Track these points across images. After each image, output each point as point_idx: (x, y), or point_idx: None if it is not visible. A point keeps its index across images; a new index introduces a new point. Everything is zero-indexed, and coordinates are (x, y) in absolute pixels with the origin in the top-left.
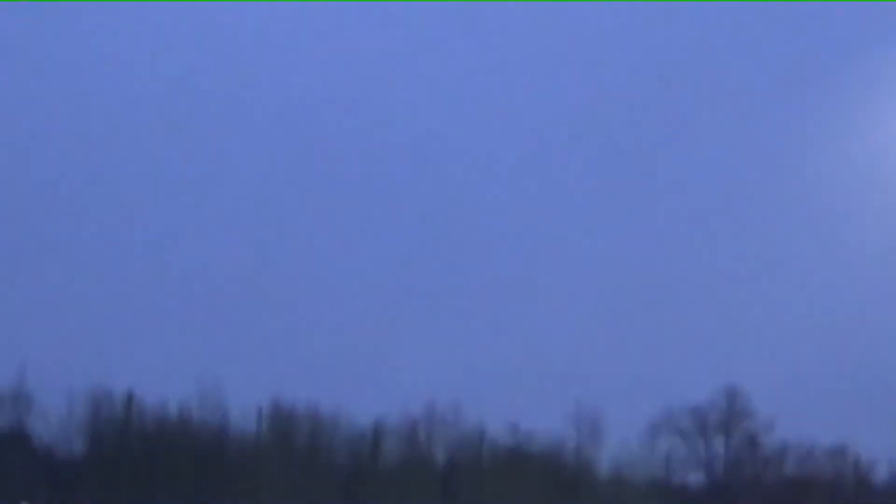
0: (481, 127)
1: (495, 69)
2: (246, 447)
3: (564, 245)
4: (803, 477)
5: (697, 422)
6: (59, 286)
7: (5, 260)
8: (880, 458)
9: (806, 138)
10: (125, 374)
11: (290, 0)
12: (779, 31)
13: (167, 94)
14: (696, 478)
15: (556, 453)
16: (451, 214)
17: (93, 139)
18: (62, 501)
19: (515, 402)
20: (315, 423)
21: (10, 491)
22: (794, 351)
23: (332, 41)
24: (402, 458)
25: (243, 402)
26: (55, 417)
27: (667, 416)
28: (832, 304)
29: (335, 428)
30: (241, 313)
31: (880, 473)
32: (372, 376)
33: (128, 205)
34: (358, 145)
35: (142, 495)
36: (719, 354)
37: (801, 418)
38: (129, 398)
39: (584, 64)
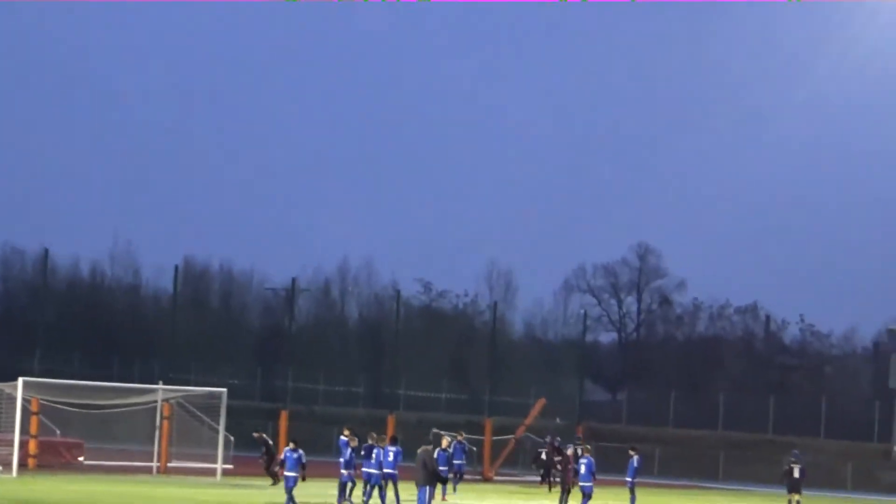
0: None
1: None
2: (160, 306)
3: (480, 109)
4: (714, 335)
5: (610, 280)
6: None
7: None
8: (790, 317)
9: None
10: (39, 233)
11: None
12: None
13: None
14: (608, 336)
15: (469, 312)
16: (369, 81)
17: None
18: None
19: (429, 263)
20: (229, 282)
21: None
22: (706, 212)
23: None
24: (316, 318)
25: (157, 260)
26: None
27: (579, 275)
28: (746, 165)
29: (249, 287)
30: (156, 172)
31: (790, 331)
32: (286, 236)
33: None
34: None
35: (55, 353)
36: (633, 214)
37: (713, 278)
38: (44, 257)
39: None
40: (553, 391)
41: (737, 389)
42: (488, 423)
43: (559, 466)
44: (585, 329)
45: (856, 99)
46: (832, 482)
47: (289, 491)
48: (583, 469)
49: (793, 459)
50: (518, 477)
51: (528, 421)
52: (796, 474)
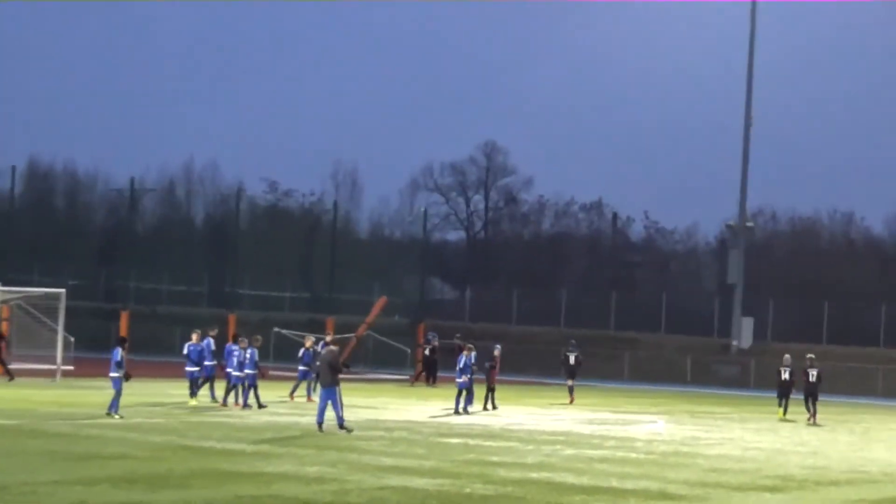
0: None
1: None
2: (3, 206)
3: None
4: (560, 232)
5: (457, 179)
6: None
7: None
8: (636, 213)
9: None
10: None
11: None
12: None
13: None
14: (456, 235)
15: (315, 211)
16: None
17: None
18: None
19: (275, 162)
20: (73, 182)
21: None
22: (551, 110)
23: None
24: (161, 218)
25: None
26: None
27: (427, 174)
28: (586, 61)
29: (93, 187)
30: None
31: (635, 228)
32: (131, 136)
33: None
34: None
35: None
36: (479, 113)
37: (559, 175)
38: None
39: None
40: (397, 290)
41: (582, 286)
42: (330, 322)
43: (475, 367)
44: (426, 226)
45: None
46: (672, 376)
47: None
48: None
49: (570, 349)
50: (361, 375)
51: (370, 319)
52: (571, 361)
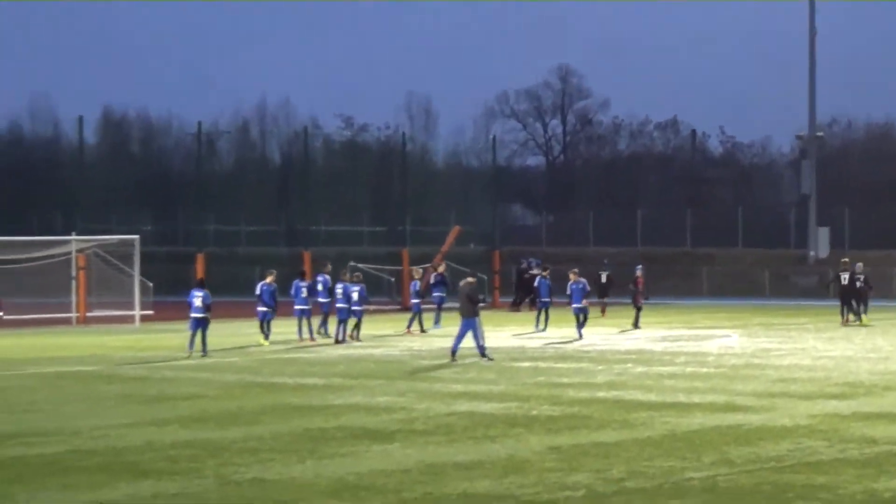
0: None
1: None
2: (78, 157)
3: None
4: (638, 152)
5: (533, 104)
6: None
7: None
8: (712, 131)
9: None
10: None
11: None
12: None
13: None
14: (535, 160)
15: (391, 144)
16: None
17: None
18: None
19: (349, 97)
20: (147, 128)
21: None
22: (622, 28)
23: None
24: (237, 160)
25: (76, 112)
26: None
27: (502, 101)
28: None
29: (167, 134)
30: (69, 25)
31: (713, 145)
32: (202, 79)
33: None
34: None
35: None
36: (551, 37)
37: (634, 96)
38: None
39: None
40: (474, 219)
41: (658, 205)
42: (405, 253)
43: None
44: (495, 153)
45: None
46: (751, 290)
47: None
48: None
49: (602, 268)
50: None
51: (445, 248)
52: (603, 280)
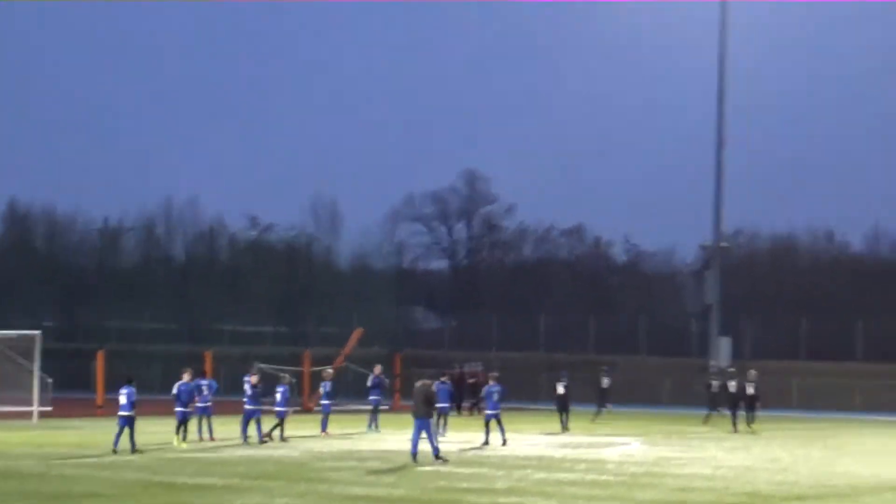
0: None
1: None
2: None
3: (300, 41)
4: (541, 258)
5: (439, 208)
6: None
7: None
8: (617, 239)
9: None
10: None
11: None
12: None
13: None
14: (439, 263)
15: (296, 245)
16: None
17: None
18: None
19: (255, 197)
20: (52, 224)
21: None
22: (530, 136)
23: None
24: (142, 257)
25: None
26: None
27: (408, 204)
28: (564, 90)
29: (72, 229)
30: None
31: (617, 252)
32: (108, 176)
33: None
34: None
35: None
36: (459, 141)
37: (540, 202)
38: None
39: None
40: (377, 320)
41: (562, 311)
42: (307, 355)
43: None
44: (400, 256)
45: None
46: (652, 397)
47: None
48: (496, 397)
49: (560, 378)
50: (340, 406)
51: (347, 350)
52: (560, 391)
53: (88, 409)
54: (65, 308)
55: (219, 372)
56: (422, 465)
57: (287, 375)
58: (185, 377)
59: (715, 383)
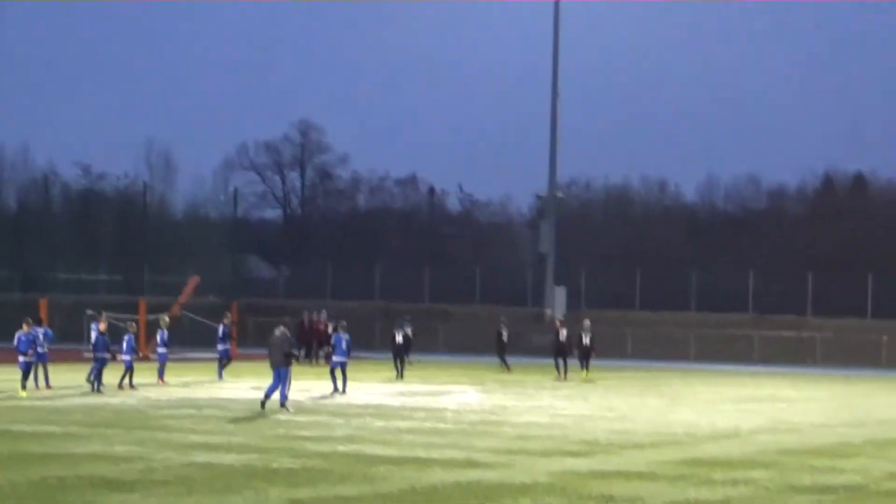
0: None
1: None
2: None
3: None
4: (375, 208)
5: (273, 157)
6: None
7: None
8: (451, 189)
9: None
10: None
11: None
12: None
13: None
14: (272, 213)
15: (129, 193)
16: None
17: None
18: None
19: (87, 145)
20: None
21: None
22: (363, 87)
23: None
24: None
25: None
26: None
27: (242, 153)
28: (399, 37)
29: None
30: None
31: (452, 202)
32: None
33: None
34: None
35: None
36: (293, 91)
37: (374, 152)
38: None
39: None
40: (212, 269)
41: (397, 261)
42: (142, 303)
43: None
44: (237, 204)
45: None
46: (487, 347)
47: None
48: (344, 345)
49: (400, 327)
50: (176, 354)
51: (182, 299)
52: (398, 339)
53: None
54: None
55: (53, 321)
56: (259, 413)
57: (133, 324)
58: (25, 327)
59: (505, 333)
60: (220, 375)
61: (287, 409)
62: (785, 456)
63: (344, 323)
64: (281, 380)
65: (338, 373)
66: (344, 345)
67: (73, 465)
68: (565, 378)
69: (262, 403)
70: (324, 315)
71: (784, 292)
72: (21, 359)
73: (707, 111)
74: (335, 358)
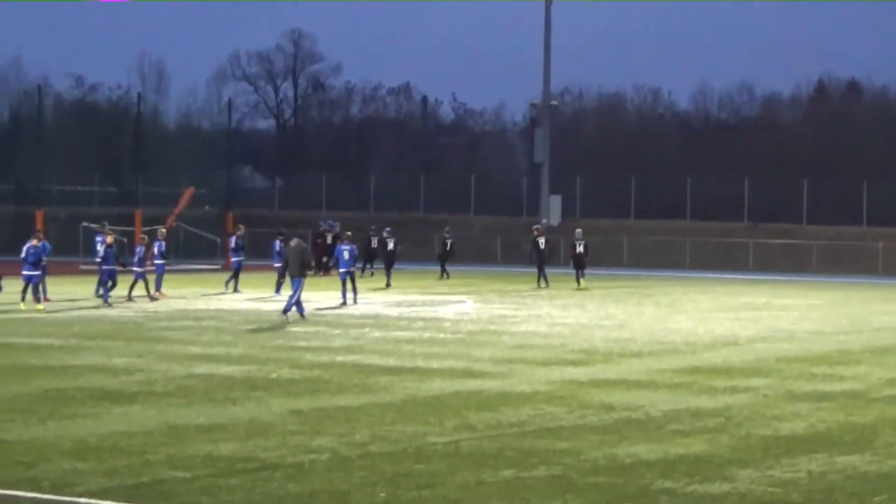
0: None
1: None
2: None
3: None
4: (369, 117)
5: (265, 67)
6: None
7: None
8: (445, 97)
9: None
10: None
11: None
12: None
13: None
14: (265, 123)
15: (122, 104)
16: None
17: None
18: None
19: (80, 56)
20: None
21: None
22: None
23: None
24: None
25: None
26: None
27: (234, 63)
28: None
29: None
30: None
31: (445, 111)
32: None
33: None
34: None
35: None
36: None
37: (367, 61)
38: None
39: None
40: (206, 180)
41: (391, 171)
42: (138, 214)
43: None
44: (231, 115)
45: None
46: (483, 257)
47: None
48: (346, 255)
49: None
50: (172, 266)
51: (178, 210)
52: (390, 247)
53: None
54: None
55: (48, 233)
56: (258, 324)
57: (163, 230)
58: (34, 241)
59: (449, 242)
60: (235, 288)
61: (285, 318)
62: (784, 364)
63: (348, 233)
64: (294, 289)
65: (348, 284)
66: (346, 255)
67: (74, 377)
68: (547, 286)
69: (285, 313)
70: (336, 226)
71: (779, 200)
72: (28, 272)
73: (700, 19)
74: (340, 269)
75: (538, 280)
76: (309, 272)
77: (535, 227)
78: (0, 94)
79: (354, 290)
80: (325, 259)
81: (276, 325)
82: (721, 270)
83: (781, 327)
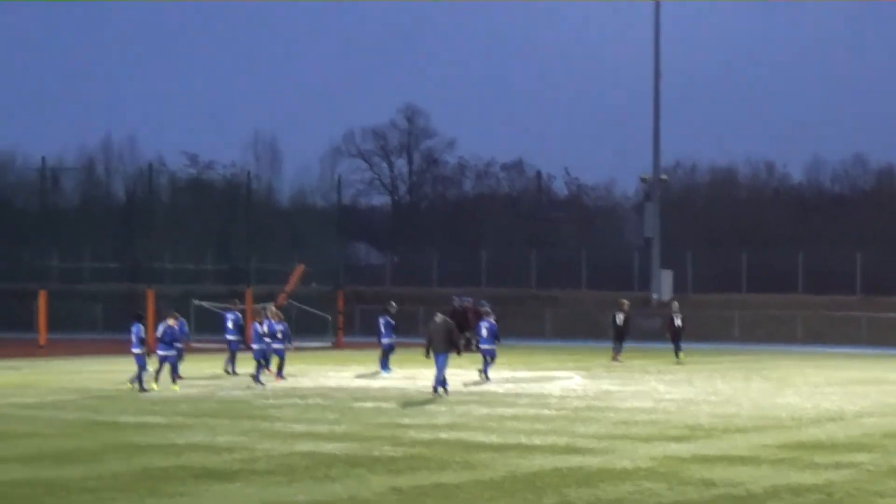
0: None
1: None
2: None
3: None
4: (483, 193)
5: (379, 144)
6: None
7: None
8: (557, 173)
9: None
10: None
11: None
12: None
13: None
14: (380, 199)
15: (236, 182)
16: None
17: None
18: None
19: (195, 135)
20: None
21: None
22: (469, 71)
23: None
24: (82, 196)
25: None
26: None
27: (348, 140)
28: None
29: (10, 169)
30: None
31: (558, 186)
32: (47, 116)
33: None
34: None
35: None
36: (398, 76)
37: (480, 137)
38: None
39: None
40: (318, 257)
41: (503, 246)
42: (248, 292)
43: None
44: (340, 192)
45: None
46: (594, 332)
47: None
48: (484, 332)
49: (485, 309)
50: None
51: (289, 288)
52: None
53: (30, 350)
54: (5, 249)
55: (160, 311)
56: (363, 401)
57: (272, 308)
58: (170, 321)
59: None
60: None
61: (442, 393)
62: (890, 439)
63: (487, 309)
64: (438, 365)
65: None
66: (484, 331)
67: (176, 456)
68: (617, 360)
69: (435, 389)
70: (469, 301)
71: (893, 273)
72: (163, 352)
73: (813, 92)
74: (482, 346)
75: (613, 352)
76: (457, 351)
77: (620, 300)
78: (116, 173)
79: (485, 367)
80: (466, 334)
81: (381, 403)
82: (833, 344)
83: (890, 402)
